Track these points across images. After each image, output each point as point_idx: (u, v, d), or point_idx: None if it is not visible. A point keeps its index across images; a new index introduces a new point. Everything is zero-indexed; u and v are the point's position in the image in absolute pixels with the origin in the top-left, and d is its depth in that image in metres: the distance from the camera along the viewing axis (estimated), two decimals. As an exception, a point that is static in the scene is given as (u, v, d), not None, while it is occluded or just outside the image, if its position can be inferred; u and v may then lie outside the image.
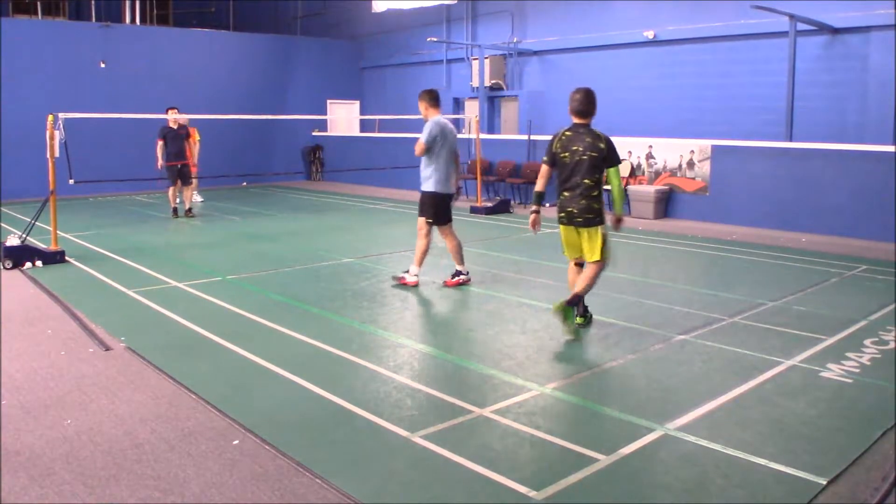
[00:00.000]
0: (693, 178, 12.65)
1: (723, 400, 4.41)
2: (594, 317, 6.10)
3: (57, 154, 8.72)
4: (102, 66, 17.24)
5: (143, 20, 20.16)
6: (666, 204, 12.89)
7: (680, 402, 4.38)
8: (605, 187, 5.80)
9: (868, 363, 5.09)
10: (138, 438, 3.88)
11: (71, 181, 9.05)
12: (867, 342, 5.56)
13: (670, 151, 13.01)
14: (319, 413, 4.23)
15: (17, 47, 15.95)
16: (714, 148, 12.39)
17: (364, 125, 21.79)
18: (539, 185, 5.94)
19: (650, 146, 13.35)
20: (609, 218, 5.82)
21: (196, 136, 14.49)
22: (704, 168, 12.48)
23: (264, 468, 3.55)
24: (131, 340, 5.58)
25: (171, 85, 17.90)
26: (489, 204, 13.56)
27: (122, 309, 6.63)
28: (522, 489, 3.33)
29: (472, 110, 18.17)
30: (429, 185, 7.28)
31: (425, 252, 7.40)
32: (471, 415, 4.19)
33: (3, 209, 13.63)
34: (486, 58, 17.56)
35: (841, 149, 11.08)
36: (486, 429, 4.01)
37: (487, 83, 17.64)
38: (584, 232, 5.73)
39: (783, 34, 12.24)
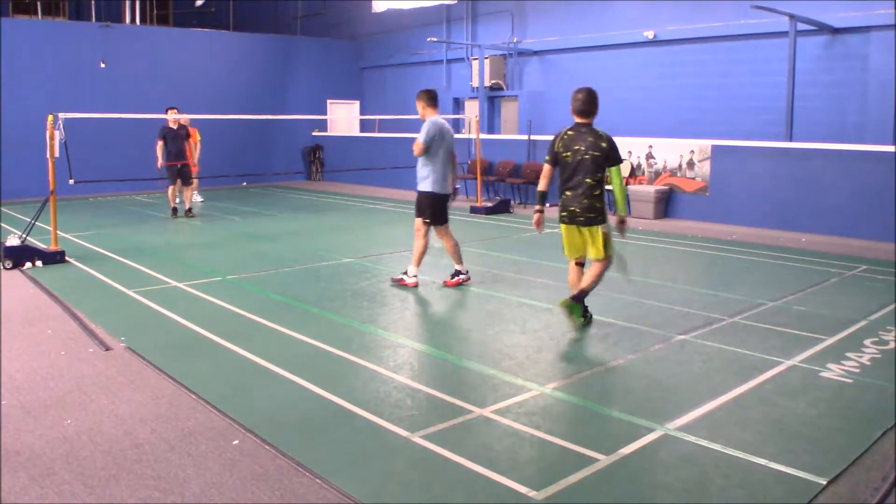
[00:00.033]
0: (693, 178, 12.65)
1: (723, 400, 4.41)
2: (594, 317, 6.10)
3: (57, 154, 8.72)
4: (102, 66, 17.24)
5: (143, 20, 20.16)
6: (666, 204, 12.89)
7: (680, 402, 4.38)
8: (607, 187, 5.82)
9: (868, 363, 5.09)
10: (138, 438, 3.88)
11: (71, 181, 9.05)
12: (867, 342, 5.56)
13: (670, 151, 13.01)
14: (319, 413, 4.23)
15: (17, 47, 15.95)
16: (714, 148, 12.39)
17: (364, 125, 21.79)
18: (542, 185, 5.95)
19: (650, 146, 13.35)
20: (612, 220, 5.83)
21: (197, 136, 14.50)
22: (704, 168, 12.48)
23: (264, 468, 3.55)
24: (131, 340, 5.58)
25: (171, 85, 17.90)
26: (489, 204, 13.56)
27: (122, 309, 6.63)
28: (522, 489, 3.33)
29: (472, 110, 18.17)
30: (426, 186, 7.27)
31: (423, 252, 7.40)
32: (471, 415, 4.19)
33: (3, 209, 13.63)
34: (486, 58, 17.56)
35: (841, 149, 11.08)
36: (486, 429, 4.01)
37: (487, 83, 17.64)
38: (586, 231, 5.75)
39: (783, 34, 12.24)
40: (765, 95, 13.05)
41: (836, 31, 12.30)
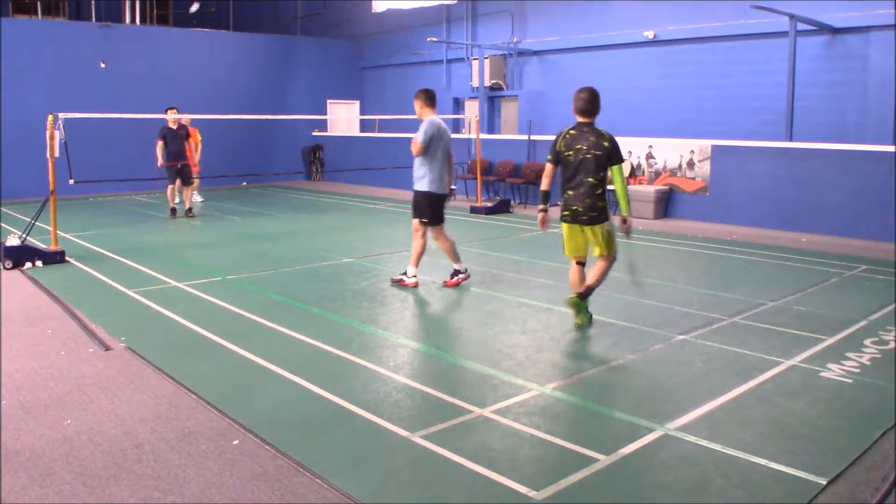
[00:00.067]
0: (693, 178, 12.65)
1: (723, 400, 4.41)
2: (594, 317, 6.10)
3: (57, 154, 8.72)
4: (102, 66, 17.24)
5: (143, 20, 20.17)
6: (666, 204, 12.89)
7: (680, 402, 4.38)
8: (609, 187, 5.82)
9: (868, 363, 5.09)
10: (138, 438, 3.88)
11: (71, 181, 9.05)
12: (867, 342, 5.56)
13: (670, 151, 13.01)
14: (319, 413, 4.23)
15: (17, 47, 15.95)
16: (714, 148, 12.39)
17: (364, 125, 21.79)
18: (544, 184, 5.96)
19: (650, 146, 13.35)
20: (616, 220, 5.84)
21: (198, 136, 14.50)
22: (704, 168, 12.48)
23: (264, 468, 3.55)
24: (131, 340, 5.58)
25: (171, 85, 17.90)
26: (489, 204, 13.56)
27: (122, 309, 6.63)
28: (522, 489, 3.33)
29: (472, 110, 18.17)
30: (423, 185, 7.24)
31: (421, 252, 7.39)
32: (471, 415, 4.19)
33: (3, 209, 13.63)
34: (486, 58, 17.56)
35: (841, 149, 11.08)
36: (486, 429, 4.01)
37: (487, 83, 17.64)
38: (589, 230, 5.76)
39: (783, 34, 12.24)
40: (765, 95, 13.05)
41: (836, 31, 12.30)
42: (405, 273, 7.47)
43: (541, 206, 5.98)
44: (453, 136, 8.11)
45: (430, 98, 7.35)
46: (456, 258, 7.47)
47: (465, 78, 18.66)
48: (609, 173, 5.74)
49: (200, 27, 20.79)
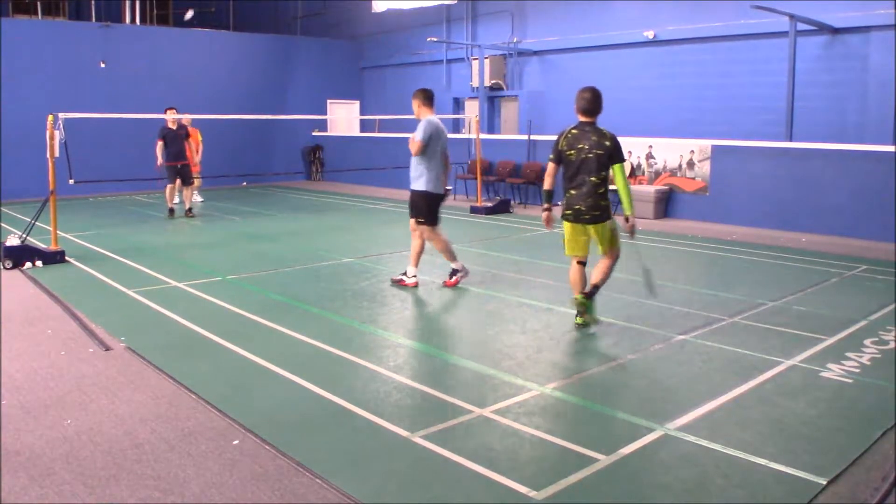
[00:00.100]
0: (693, 178, 12.65)
1: (723, 400, 4.41)
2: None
3: (57, 154, 8.73)
4: (102, 66, 17.24)
5: (143, 20, 20.16)
6: (666, 204, 12.89)
7: (680, 402, 4.38)
8: (612, 186, 5.82)
9: (868, 363, 5.09)
10: (138, 438, 3.88)
11: (71, 181, 9.04)
12: (867, 342, 5.56)
13: (670, 151, 13.01)
14: (319, 413, 4.23)
15: (17, 47, 15.95)
16: (714, 148, 12.39)
17: (364, 125, 21.79)
18: (547, 184, 5.96)
19: (650, 146, 13.35)
20: (619, 221, 5.84)
21: (199, 136, 14.50)
22: (704, 168, 12.48)
23: (264, 468, 3.55)
24: (131, 340, 5.58)
25: (171, 85, 17.90)
26: (489, 204, 13.56)
27: (122, 309, 6.63)
28: (522, 489, 3.33)
29: (471, 110, 18.17)
30: (420, 185, 7.23)
31: (420, 252, 7.39)
32: (471, 415, 4.18)
33: (3, 209, 13.63)
34: (486, 58, 17.56)
35: (841, 149, 11.08)
36: (486, 429, 4.01)
37: (487, 83, 17.64)
38: (592, 229, 5.77)
39: (783, 34, 12.24)
40: (765, 95, 13.06)
41: (836, 31, 12.30)
42: (405, 273, 7.47)
43: (544, 206, 5.98)
44: (453, 136, 8.10)
45: (428, 98, 7.35)
46: (452, 257, 7.45)
47: (465, 78, 18.66)
48: (611, 173, 5.75)
49: (200, 27, 20.79)
